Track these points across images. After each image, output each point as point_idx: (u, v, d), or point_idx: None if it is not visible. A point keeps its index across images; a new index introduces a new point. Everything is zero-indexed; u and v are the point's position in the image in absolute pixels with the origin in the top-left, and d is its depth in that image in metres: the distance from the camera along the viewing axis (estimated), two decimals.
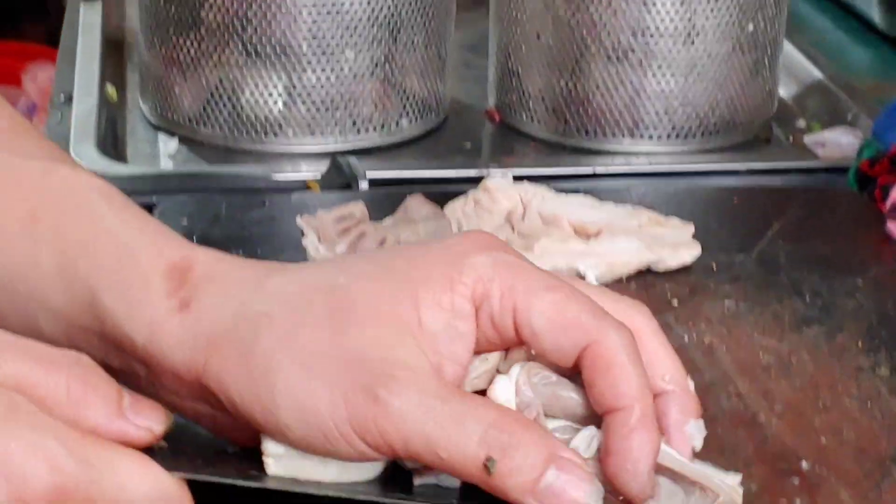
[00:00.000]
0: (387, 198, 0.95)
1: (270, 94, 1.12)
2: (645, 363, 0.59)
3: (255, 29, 1.11)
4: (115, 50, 1.36)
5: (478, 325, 0.61)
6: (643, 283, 0.87)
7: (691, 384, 0.61)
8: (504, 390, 0.59)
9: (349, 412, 0.56)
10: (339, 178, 1.03)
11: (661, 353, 0.61)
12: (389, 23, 1.12)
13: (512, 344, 0.61)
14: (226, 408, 0.59)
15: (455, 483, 0.59)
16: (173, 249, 0.64)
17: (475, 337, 0.61)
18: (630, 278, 0.87)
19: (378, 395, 0.57)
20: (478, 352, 0.61)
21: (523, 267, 0.61)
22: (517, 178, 1.06)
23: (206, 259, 0.63)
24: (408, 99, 1.16)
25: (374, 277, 0.61)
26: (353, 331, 0.59)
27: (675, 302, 0.85)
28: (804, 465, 0.70)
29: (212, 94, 1.14)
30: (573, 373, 0.60)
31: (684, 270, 0.89)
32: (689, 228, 0.91)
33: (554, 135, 1.17)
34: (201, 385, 0.59)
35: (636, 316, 0.61)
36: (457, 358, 0.60)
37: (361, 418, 0.56)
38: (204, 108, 1.14)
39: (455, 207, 0.91)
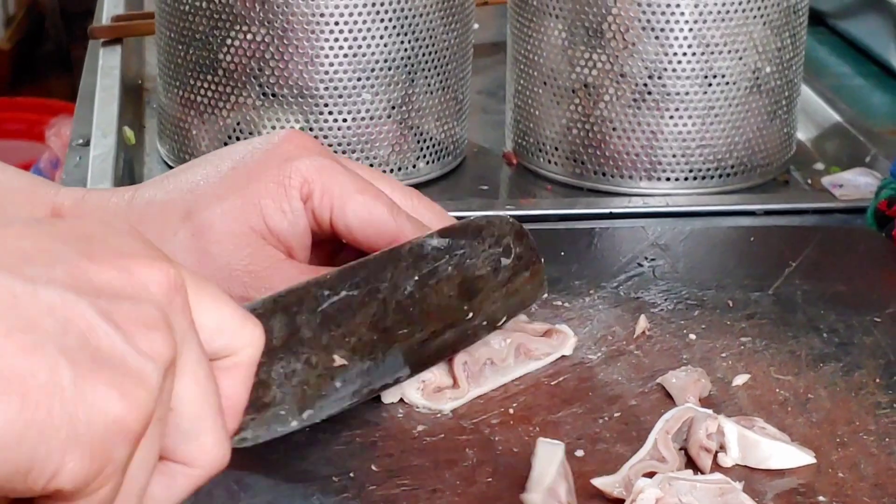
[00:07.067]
0: None
1: None
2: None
3: (273, 71, 1.11)
4: (133, 93, 1.37)
5: None
6: (659, 320, 0.86)
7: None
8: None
9: None
10: None
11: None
12: (406, 66, 1.12)
13: (328, 235, 0.77)
14: None
15: None
16: (46, 197, 0.77)
17: (309, 225, 0.77)
18: (646, 315, 0.87)
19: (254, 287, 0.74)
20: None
21: (338, 171, 0.77)
22: (534, 219, 1.07)
23: (71, 200, 0.77)
24: (425, 141, 1.16)
25: (222, 197, 0.75)
26: (214, 250, 0.75)
27: (691, 337, 0.84)
28: (821, 500, 0.69)
29: (229, 136, 1.14)
30: None
31: (701, 306, 0.88)
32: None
33: (571, 177, 1.17)
34: None
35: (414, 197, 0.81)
36: (302, 243, 0.77)
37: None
38: None
39: None
